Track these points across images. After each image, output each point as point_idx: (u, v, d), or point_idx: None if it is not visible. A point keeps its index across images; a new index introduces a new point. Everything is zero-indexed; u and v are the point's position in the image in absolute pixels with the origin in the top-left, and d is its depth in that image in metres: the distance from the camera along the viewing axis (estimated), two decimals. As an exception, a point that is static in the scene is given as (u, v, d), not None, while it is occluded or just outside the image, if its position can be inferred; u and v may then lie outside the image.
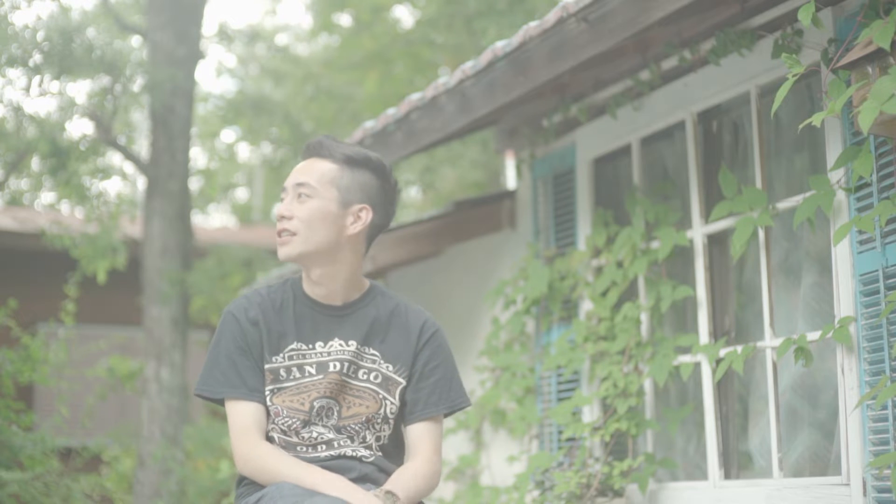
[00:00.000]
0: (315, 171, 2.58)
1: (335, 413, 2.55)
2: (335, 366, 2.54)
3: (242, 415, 2.53)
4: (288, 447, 2.54)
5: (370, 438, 2.58)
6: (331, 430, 2.54)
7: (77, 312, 6.83)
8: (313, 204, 2.55)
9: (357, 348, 2.57)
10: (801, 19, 3.03)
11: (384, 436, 2.61)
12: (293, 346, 2.56)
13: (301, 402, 2.53)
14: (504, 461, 4.91)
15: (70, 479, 5.41)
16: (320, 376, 2.54)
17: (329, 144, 2.61)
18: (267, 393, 2.54)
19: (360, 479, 2.50)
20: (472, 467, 5.12)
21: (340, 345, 2.56)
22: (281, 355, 2.55)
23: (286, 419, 2.53)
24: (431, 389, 2.61)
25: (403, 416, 2.62)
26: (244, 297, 2.62)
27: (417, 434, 2.60)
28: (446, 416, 2.64)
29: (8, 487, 4.86)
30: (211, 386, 2.56)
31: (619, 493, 4.08)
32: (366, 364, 2.57)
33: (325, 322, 2.58)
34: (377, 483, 2.53)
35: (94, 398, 6.95)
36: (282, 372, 2.54)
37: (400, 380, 2.59)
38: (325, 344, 2.56)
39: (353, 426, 2.55)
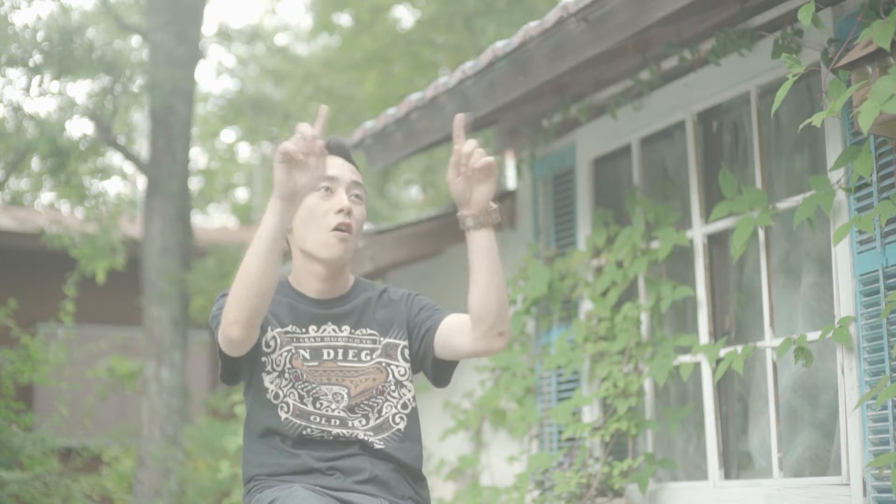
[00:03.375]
0: (358, 175, 2.58)
1: (344, 396, 2.51)
2: (329, 353, 2.53)
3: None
4: (302, 416, 2.49)
5: (392, 409, 2.53)
6: (344, 410, 2.51)
7: (77, 312, 6.83)
8: (363, 210, 2.57)
9: (350, 332, 2.55)
10: (801, 19, 3.04)
11: (405, 398, 2.55)
12: (288, 328, 2.53)
13: (296, 388, 2.50)
14: (504, 461, 4.91)
15: (70, 479, 5.41)
16: (315, 363, 2.52)
17: (349, 148, 2.62)
18: (288, 352, 2.50)
19: (370, 482, 2.47)
20: (472, 467, 5.12)
21: (334, 330, 2.54)
22: (275, 332, 2.50)
23: (305, 384, 2.49)
24: (439, 312, 2.58)
25: (430, 344, 2.54)
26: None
27: (456, 317, 2.53)
28: (445, 369, 2.60)
29: (8, 487, 4.86)
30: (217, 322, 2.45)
31: (619, 493, 4.08)
32: (366, 346, 2.55)
33: (317, 311, 2.56)
34: (387, 486, 2.49)
35: (94, 398, 6.96)
36: (288, 342, 2.51)
37: (399, 342, 2.57)
38: (319, 328, 2.54)
39: (365, 403, 2.52)
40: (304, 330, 2.54)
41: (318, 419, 2.49)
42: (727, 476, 3.89)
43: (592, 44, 3.77)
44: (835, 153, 3.37)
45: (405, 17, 13.58)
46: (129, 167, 11.93)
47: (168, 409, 7.97)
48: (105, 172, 8.64)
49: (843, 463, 3.30)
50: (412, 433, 2.58)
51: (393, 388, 2.54)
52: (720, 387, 3.94)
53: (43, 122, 7.61)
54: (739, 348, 3.70)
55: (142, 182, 9.91)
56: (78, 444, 6.42)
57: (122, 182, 13.70)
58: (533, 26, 3.98)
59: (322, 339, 2.54)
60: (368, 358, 2.54)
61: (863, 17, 3.14)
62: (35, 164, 9.31)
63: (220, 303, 2.51)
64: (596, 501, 4.06)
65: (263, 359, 2.51)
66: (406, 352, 2.58)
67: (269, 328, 2.52)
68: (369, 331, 2.57)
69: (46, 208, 11.52)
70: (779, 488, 3.54)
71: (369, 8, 12.38)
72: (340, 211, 2.50)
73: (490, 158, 2.33)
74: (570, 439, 4.42)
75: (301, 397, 2.50)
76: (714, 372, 3.85)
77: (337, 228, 2.50)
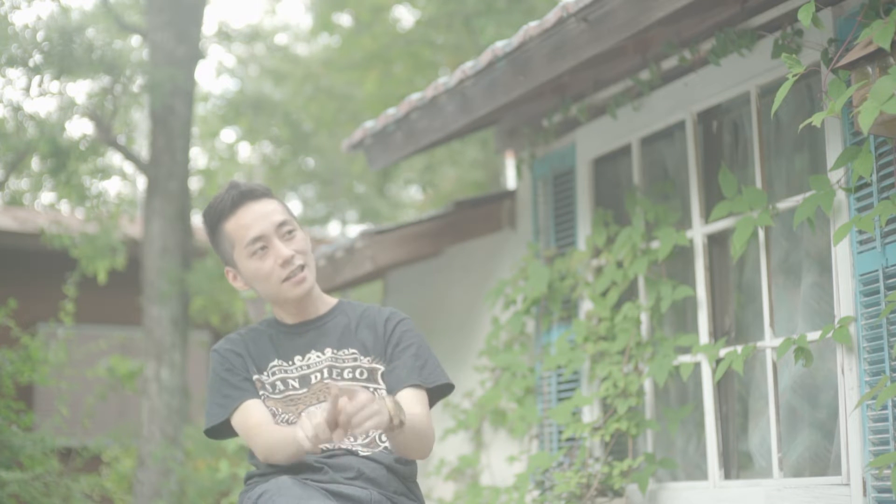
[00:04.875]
0: (277, 209, 2.60)
1: None
2: (316, 377, 2.60)
3: (247, 413, 2.56)
4: None
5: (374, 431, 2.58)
6: None
7: (77, 312, 6.83)
8: (300, 234, 2.61)
9: (333, 353, 2.62)
10: (801, 19, 3.04)
11: None
12: (274, 363, 2.62)
13: (291, 412, 2.57)
14: (504, 461, 4.91)
15: (70, 479, 5.41)
16: (304, 390, 2.59)
17: (256, 187, 2.62)
18: (262, 397, 2.60)
19: (358, 478, 2.50)
20: (472, 467, 5.12)
21: (318, 356, 2.61)
22: (265, 373, 2.61)
23: (284, 415, 2.57)
24: (405, 366, 2.60)
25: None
26: (225, 338, 2.69)
27: (406, 399, 2.55)
28: (432, 397, 2.62)
29: (8, 487, 4.86)
30: (213, 416, 2.60)
31: (619, 493, 4.08)
32: (348, 364, 2.61)
33: (300, 339, 2.64)
34: (377, 482, 2.52)
35: (94, 398, 6.96)
36: (268, 385, 2.60)
37: (379, 366, 2.62)
38: (304, 357, 2.61)
39: None
40: (290, 362, 2.63)
41: None
42: (727, 476, 3.89)
43: (592, 44, 3.77)
44: (835, 153, 3.37)
45: (405, 17, 13.58)
46: (129, 167, 11.93)
47: (168, 409, 7.96)
48: (105, 172, 8.63)
49: (843, 463, 3.30)
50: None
51: None
52: (720, 387, 3.94)
53: (43, 122, 7.61)
54: (739, 348, 3.70)
55: (142, 182, 9.91)
56: (78, 444, 6.42)
57: (122, 182, 13.70)
58: (533, 26, 3.98)
59: (308, 366, 2.61)
60: (351, 376, 2.60)
61: (863, 17, 3.14)
62: (35, 164, 9.31)
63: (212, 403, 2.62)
64: (596, 501, 4.06)
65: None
66: (382, 375, 2.63)
67: (252, 376, 2.61)
68: (351, 350, 2.63)
69: (46, 208, 11.52)
70: (779, 488, 3.54)
71: (369, 8, 12.38)
72: (285, 263, 2.56)
73: (373, 422, 2.22)
74: (570, 439, 4.41)
75: None
76: (714, 372, 3.85)
77: (288, 277, 2.56)
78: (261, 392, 2.59)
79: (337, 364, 2.60)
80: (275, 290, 2.59)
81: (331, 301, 2.72)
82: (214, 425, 2.60)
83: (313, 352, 2.62)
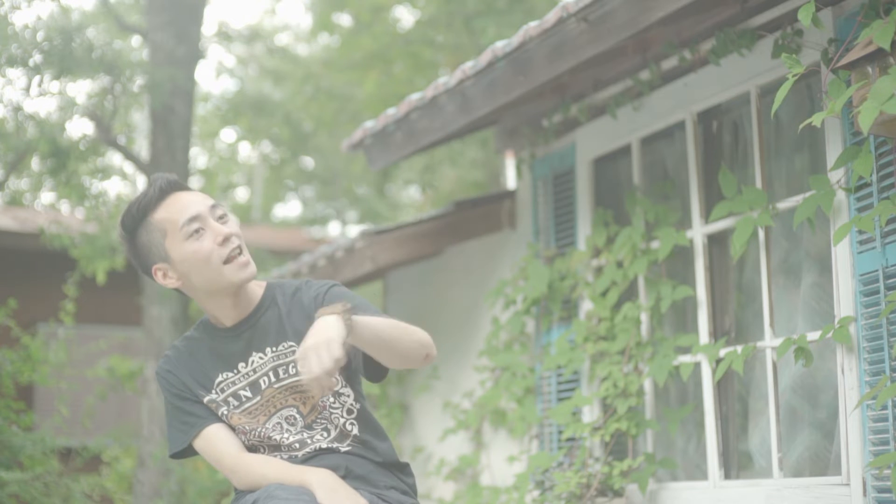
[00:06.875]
0: (208, 197, 2.53)
1: (297, 418, 2.55)
2: (265, 381, 2.54)
3: (211, 442, 2.55)
4: (268, 454, 2.57)
5: (340, 418, 2.55)
6: (302, 431, 2.54)
7: (77, 312, 6.84)
8: (233, 219, 2.52)
9: (273, 351, 2.55)
10: (801, 19, 3.04)
11: (347, 404, 2.56)
12: (220, 378, 2.56)
13: (254, 424, 2.55)
14: (504, 461, 4.91)
15: (70, 479, 5.42)
16: (257, 398, 2.54)
17: (180, 180, 2.56)
18: (222, 416, 2.56)
19: (346, 476, 2.49)
20: (472, 467, 5.12)
21: (260, 357, 2.55)
22: (213, 392, 2.56)
23: (251, 433, 2.56)
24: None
25: (357, 351, 2.49)
26: (164, 357, 2.62)
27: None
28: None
29: (8, 487, 4.87)
30: (176, 442, 2.58)
31: (619, 493, 4.08)
32: (290, 359, 2.54)
33: (238, 342, 2.56)
34: (365, 479, 2.52)
35: (94, 398, 6.97)
36: (222, 403, 2.56)
37: None
38: (247, 363, 2.55)
39: (320, 417, 2.55)
40: (235, 371, 2.56)
41: (284, 448, 2.55)
42: (727, 476, 3.89)
43: (592, 44, 3.78)
44: (835, 153, 3.37)
45: (405, 17, 13.59)
46: (129, 167, 11.94)
47: (168, 409, 7.96)
48: (105, 172, 8.63)
49: (843, 463, 3.30)
50: (370, 431, 2.60)
51: (332, 399, 2.55)
52: (720, 387, 3.94)
53: (43, 122, 7.61)
54: (739, 348, 3.70)
55: (142, 182, 9.90)
56: (78, 444, 6.43)
57: (122, 182, 13.71)
58: (533, 26, 3.98)
59: (255, 370, 2.56)
60: (295, 370, 2.53)
61: (863, 17, 3.14)
62: (35, 164, 9.32)
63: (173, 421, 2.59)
64: (596, 501, 4.06)
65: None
66: None
67: (201, 401, 2.57)
68: (288, 343, 2.54)
69: (46, 208, 11.52)
70: (779, 488, 3.54)
71: (369, 8, 12.39)
72: (224, 241, 2.46)
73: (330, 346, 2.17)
74: (570, 439, 4.42)
75: (256, 447, 2.57)
76: (714, 372, 3.85)
77: (229, 257, 2.47)
78: (220, 411, 2.55)
79: (280, 362, 2.54)
80: (215, 275, 2.46)
81: (259, 289, 2.61)
82: (178, 450, 2.60)
83: (255, 353, 2.54)
